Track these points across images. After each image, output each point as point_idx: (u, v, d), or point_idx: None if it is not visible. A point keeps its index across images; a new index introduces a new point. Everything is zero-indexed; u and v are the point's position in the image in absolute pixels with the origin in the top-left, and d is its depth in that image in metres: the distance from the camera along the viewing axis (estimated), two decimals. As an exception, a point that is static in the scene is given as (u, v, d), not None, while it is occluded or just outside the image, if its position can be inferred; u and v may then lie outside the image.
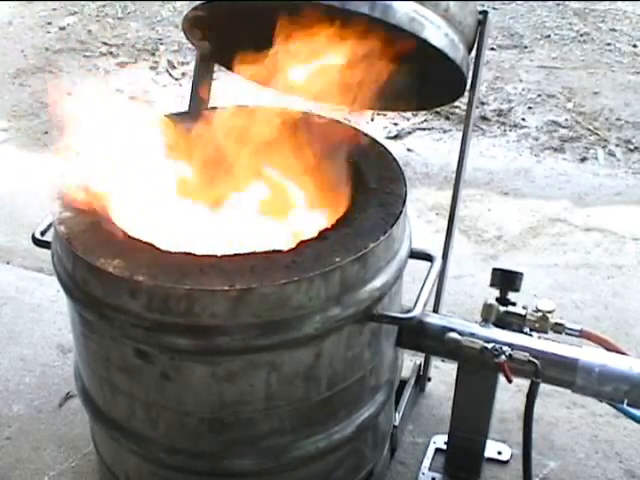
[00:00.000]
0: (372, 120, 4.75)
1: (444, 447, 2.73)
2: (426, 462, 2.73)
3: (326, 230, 2.08)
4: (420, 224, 3.57)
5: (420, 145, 4.72)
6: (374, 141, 2.42)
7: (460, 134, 2.69)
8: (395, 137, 4.76)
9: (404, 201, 2.18)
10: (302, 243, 2.02)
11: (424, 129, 4.81)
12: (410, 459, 2.76)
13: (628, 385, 2.23)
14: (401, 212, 2.13)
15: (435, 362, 3.01)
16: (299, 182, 2.36)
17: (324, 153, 2.33)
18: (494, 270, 2.46)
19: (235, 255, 1.99)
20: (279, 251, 2.00)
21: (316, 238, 2.05)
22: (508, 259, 3.80)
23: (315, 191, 2.31)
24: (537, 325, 2.41)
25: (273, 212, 2.34)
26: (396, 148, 4.60)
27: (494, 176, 4.48)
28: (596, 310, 3.55)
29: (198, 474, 2.28)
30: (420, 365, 2.93)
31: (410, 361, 2.94)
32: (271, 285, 1.89)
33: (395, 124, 4.87)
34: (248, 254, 1.99)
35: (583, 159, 4.63)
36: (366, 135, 2.42)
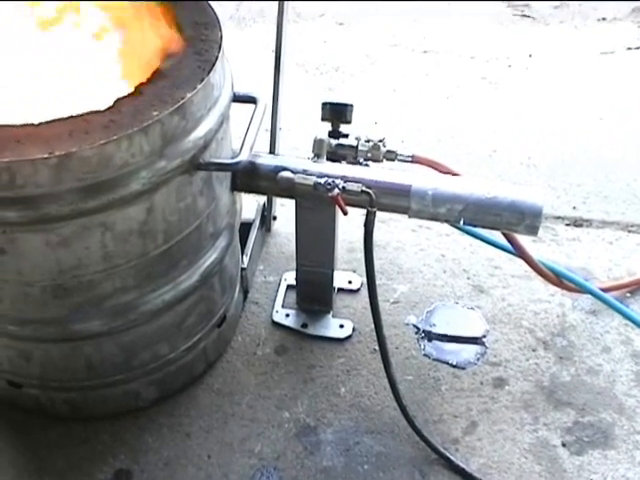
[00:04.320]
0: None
1: (295, 283, 2.78)
2: (279, 299, 2.80)
3: (142, 85, 2.03)
4: (257, 65, 3.54)
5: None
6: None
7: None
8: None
9: (220, 46, 2.14)
10: (119, 101, 1.98)
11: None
12: (263, 298, 2.82)
13: (461, 204, 2.27)
14: (217, 58, 2.10)
15: (280, 200, 3.04)
16: (109, 40, 2.29)
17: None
18: (323, 104, 2.45)
19: (52, 121, 1.93)
20: (97, 112, 1.95)
21: (132, 94, 2.00)
22: (346, 90, 3.82)
23: (127, 47, 2.25)
24: (370, 155, 2.43)
25: (86, 74, 2.28)
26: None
27: (329, 6, 4.45)
28: (437, 131, 3.61)
29: (53, 341, 2.29)
30: (264, 205, 2.96)
31: (256, 203, 2.96)
32: (90, 147, 1.86)
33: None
34: (65, 119, 1.93)
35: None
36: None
